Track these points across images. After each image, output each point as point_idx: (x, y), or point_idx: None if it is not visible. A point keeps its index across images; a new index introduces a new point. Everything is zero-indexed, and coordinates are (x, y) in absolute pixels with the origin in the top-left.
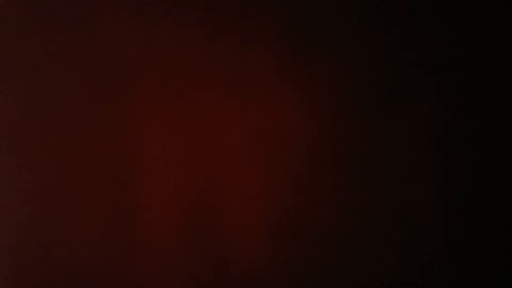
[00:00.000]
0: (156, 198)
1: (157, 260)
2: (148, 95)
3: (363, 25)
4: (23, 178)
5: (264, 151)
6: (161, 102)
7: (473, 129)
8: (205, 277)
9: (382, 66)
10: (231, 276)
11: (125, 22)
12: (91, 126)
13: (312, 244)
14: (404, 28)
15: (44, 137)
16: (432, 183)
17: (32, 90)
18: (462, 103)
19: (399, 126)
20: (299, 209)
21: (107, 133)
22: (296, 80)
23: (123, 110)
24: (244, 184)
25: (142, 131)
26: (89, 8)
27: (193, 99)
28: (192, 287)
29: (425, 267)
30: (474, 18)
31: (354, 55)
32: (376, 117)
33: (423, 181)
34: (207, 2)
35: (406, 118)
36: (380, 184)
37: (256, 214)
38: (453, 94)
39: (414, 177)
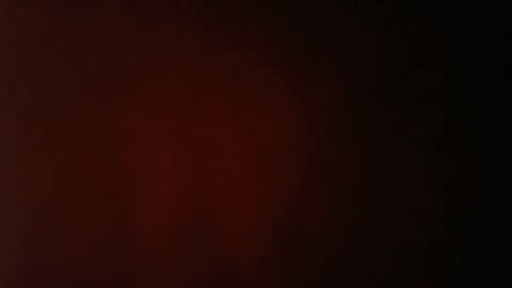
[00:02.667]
0: (155, 204)
1: (155, 264)
2: (145, 99)
3: (364, 26)
4: (21, 181)
5: (263, 155)
6: (158, 106)
7: (475, 130)
8: (204, 282)
9: (384, 67)
10: (230, 280)
11: (123, 25)
12: (88, 129)
13: (312, 248)
14: (406, 29)
15: (42, 140)
16: (433, 187)
17: (31, 93)
18: (465, 104)
19: (401, 128)
20: (299, 213)
21: (104, 138)
22: (296, 83)
23: (120, 114)
24: (243, 188)
25: (140, 136)
26: (88, 11)
27: (191, 104)
28: None
29: (426, 268)
30: (473, 17)
31: (355, 56)
32: (377, 120)
33: (424, 185)
34: (204, 2)
35: (408, 121)
36: (380, 187)
37: (255, 218)
38: (456, 95)
39: (415, 181)
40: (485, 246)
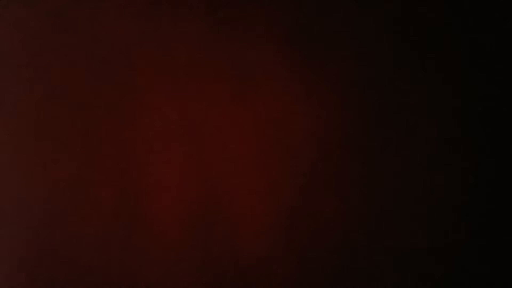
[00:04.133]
0: (162, 199)
1: (162, 258)
2: (152, 92)
3: (369, 20)
4: (27, 179)
5: (269, 150)
6: (166, 99)
7: (483, 127)
8: (210, 275)
9: (391, 60)
10: (236, 274)
11: (127, 18)
12: (96, 126)
13: (316, 243)
14: (410, 25)
15: (47, 137)
16: (439, 183)
17: (35, 88)
18: (472, 100)
19: (407, 123)
20: (304, 208)
21: (112, 133)
22: (302, 77)
23: (127, 108)
24: (248, 183)
25: (147, 131)
26: (92, 5)
27: (197, 97)
28: (197, 285)
29: (426, 268)
30: (474, 13)
31: (362, 48)
32: (383, 114)
33: (429, 181)
34: None
35: (414, 115)
36: (385, 183)
37: (260, 213)
38: (463, 91)
39: (420, 178)
40: (494, 245)
